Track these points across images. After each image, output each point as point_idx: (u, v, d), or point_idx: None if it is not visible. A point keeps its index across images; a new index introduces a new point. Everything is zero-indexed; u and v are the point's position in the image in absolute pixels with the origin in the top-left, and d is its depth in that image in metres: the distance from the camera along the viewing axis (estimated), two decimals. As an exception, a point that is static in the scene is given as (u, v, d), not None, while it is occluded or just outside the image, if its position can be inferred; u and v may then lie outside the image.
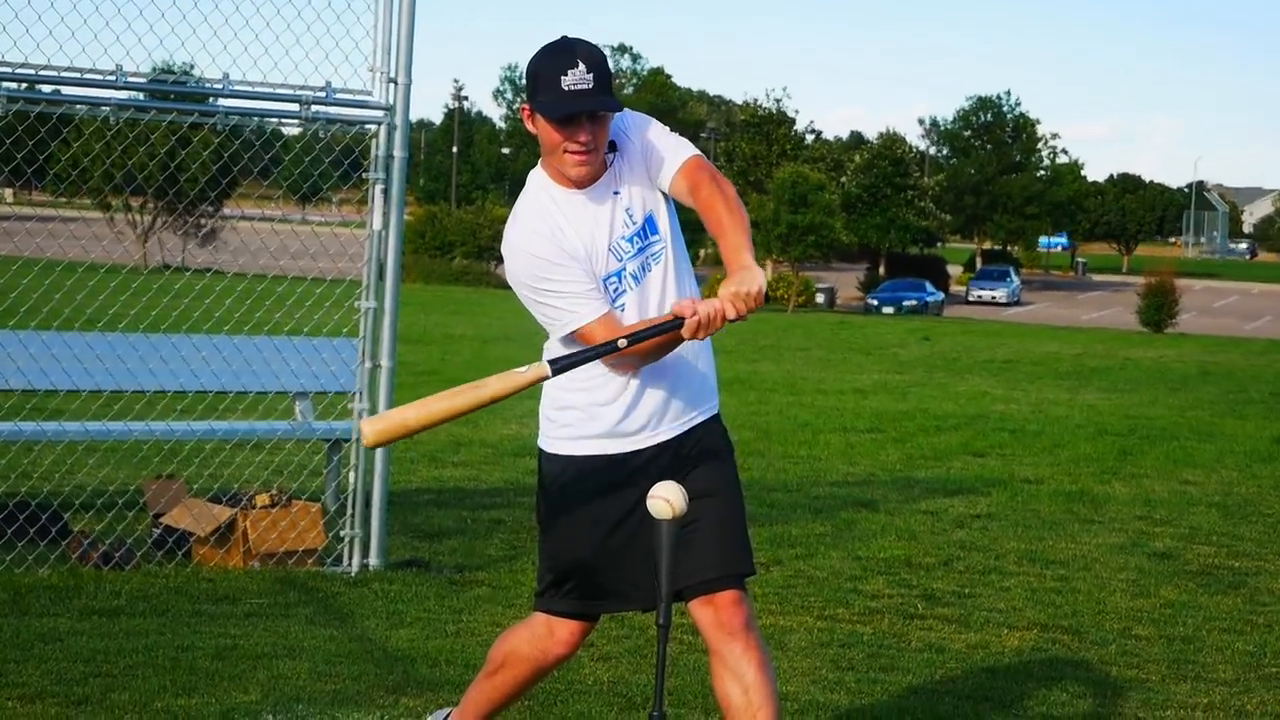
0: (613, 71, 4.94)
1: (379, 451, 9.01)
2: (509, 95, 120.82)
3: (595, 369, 4.76)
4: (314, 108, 8.83)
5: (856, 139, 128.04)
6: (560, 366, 4.56)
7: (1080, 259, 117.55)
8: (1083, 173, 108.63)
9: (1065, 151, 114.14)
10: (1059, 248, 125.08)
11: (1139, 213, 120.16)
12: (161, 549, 8.87)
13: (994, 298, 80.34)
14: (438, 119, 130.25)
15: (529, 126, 4.80)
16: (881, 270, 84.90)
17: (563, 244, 4.73)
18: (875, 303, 68.90)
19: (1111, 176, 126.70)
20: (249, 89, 8.83)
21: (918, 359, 31.88)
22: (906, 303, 68.45)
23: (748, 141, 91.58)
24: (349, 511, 9.01)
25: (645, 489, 4.56)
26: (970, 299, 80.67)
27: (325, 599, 8.24)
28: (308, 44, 8.88)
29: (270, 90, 8.82)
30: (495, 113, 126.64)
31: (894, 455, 15.24)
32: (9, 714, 6.02)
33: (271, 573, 8.69)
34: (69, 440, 9.53)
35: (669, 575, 4.49)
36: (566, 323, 4.71)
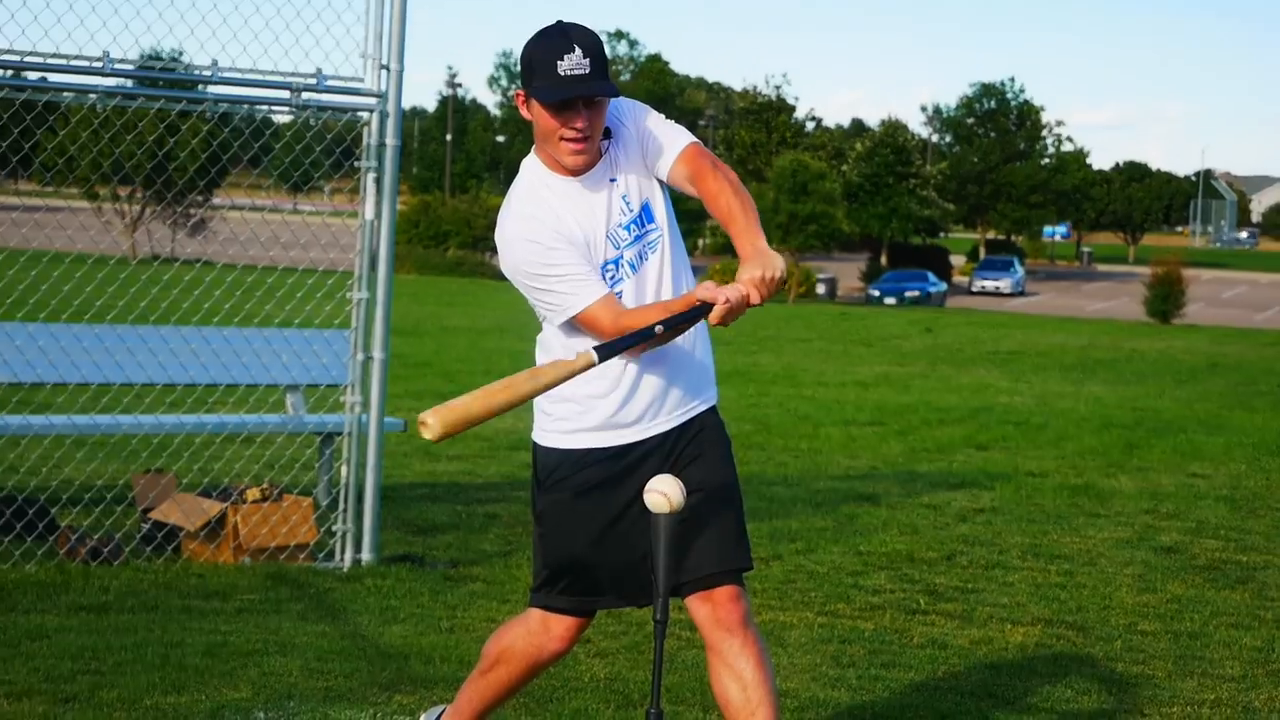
0: (609, 58, 4.92)
1: (371, 445, 9.01)
2: (504, 82, 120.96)
3: None
4: (305, 95, 8.83)
5: (858, 126, 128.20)
6: (605, 353, 4.49)
7: (1086, 248, 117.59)
8: (1088, 161, 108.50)
9: (1070, 139, 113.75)
10: (1056, 236, 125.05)
11: (1145, 201, 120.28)
12: (150, 544, 8.87)
13: (998, 288, 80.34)
14: (431, 106, 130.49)
15: (524, 113, 4.81)
16: (883, 260, 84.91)
17: (559, 229, 4.73)
18: (877, 293, 68.88)
19: (1117, 165, 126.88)
20: (239, 76, 8.82)
21: (920, 350, 31.89)
22: (909, 293, 68.44)
23: (747, 129, 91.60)
24: (341, 506, 9.01)
25: (642, 483, 4.57)
26: (973, 289, 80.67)
27: (317, 595, 8.25)
28: (298, 30, 8.89)
29: (260, 77, 8.82)
30: (490, 100, 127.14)
31: (896, 448, 15.25)
32: (-4, 712, 6.03)
33: (262, 568, 8.69)
34: (56, 434, 9.53)
35: (666, 570, 4.49)
36: (567, 307, 4.70)
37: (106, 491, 9.51)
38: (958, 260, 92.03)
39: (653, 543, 4.50)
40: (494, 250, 4.89)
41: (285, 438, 10.36)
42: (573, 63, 4.64)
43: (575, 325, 4.74)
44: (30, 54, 8.33)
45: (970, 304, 70.36)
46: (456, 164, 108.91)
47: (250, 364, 9.78)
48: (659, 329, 4.50)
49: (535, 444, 5.01)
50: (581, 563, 4.92)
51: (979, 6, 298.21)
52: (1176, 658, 7.61)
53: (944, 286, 73.25)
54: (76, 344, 9.30)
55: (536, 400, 4.97)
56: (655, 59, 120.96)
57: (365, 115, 8.95)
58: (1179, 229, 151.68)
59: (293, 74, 8.82)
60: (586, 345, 4.76)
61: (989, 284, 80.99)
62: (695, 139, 4.87)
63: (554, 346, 4.87)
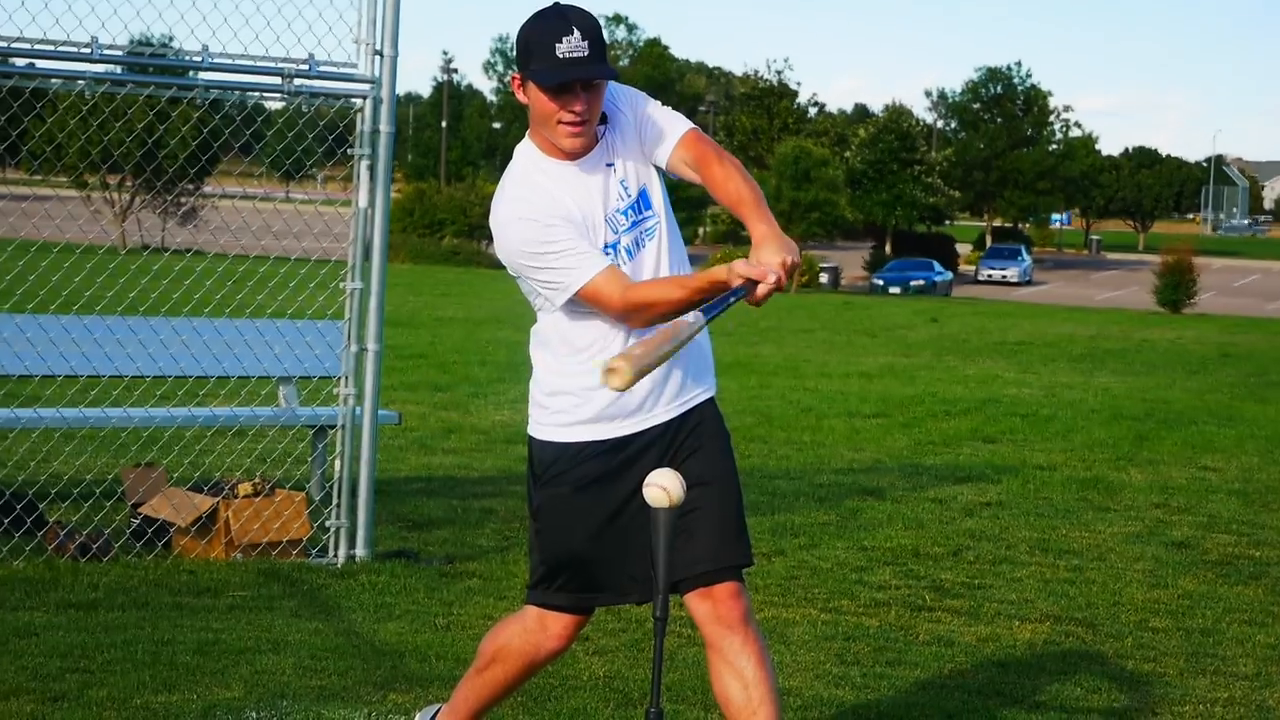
0: (606, 42, 4.92)
1: (365, 438, 9.01)
2: (500, 67, 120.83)
3: (589, 342, 4.78)
4: (297, 81, 8.82)
5: (861, 112, 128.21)
6: (709, 314, 4.44)
7: (1094, 236, 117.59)
8: (1097, 147, 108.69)
9: (1078, 125, 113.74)
10: (1058, 224, 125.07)
11: (1155, 188, 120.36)
12: (141, 540, 8.87)
13: (1005, 277, 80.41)
14: (426, 92, 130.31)
15: (519, 96, 4.79)
16: (888, 249, 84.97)
17: (555, 208, 4.71)
18: (881, 283, 68.90)
19: (1127, 150, 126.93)
20: (229, 61, 8.81)
21: (925, 341, 31.89)
22: (914, 282, 68.47)
23: (748, 115, 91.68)
24: (335, 501, 9.01)
25: (641, 476, 4.56)
26: (980, 278, 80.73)
27: (310, 591, 8.25)
28: (290, 15, 8.87)
29: (252, 63, 8.80)
30: (486, 86, 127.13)
31: (901, 441, 15.25)
32: (-18, 712, 6.02)
33: (254, 564, 8.69)
34: (45, 427, 9.52)
35: (666, 566, 4.49)
36: (570, 284, 4.67)
37: (95, 486, 9.51)
38: (963, 248, 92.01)
39: (652, 538, 4.49)
40: (490, 239, 4.87)
41: (277, 431, 10.35)
42: (571, 45, 4.63)
43: (579, 304, 4.72)
44: (17, 40, 8.32)
45: (976, 293, 70.36)
46: (452, 151, 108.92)
47: (242, 355, 9.77)
48: (732, 299, 4.45)
49: (531, 438, 4.99)
50: (580, 559, 4.91)
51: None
52: (1188, 655, 7.60)
53: (950, 275, 73.29)
54: (65, 335, 9.30)
55: (531, 393, 4.97)
56: (654, 43, 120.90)
57: (358, 101, 8.94)
58: (1190, 216, 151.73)
59: (285, 59, 8.81)
60: (587, 332, 4.76)
61: (996, 273, 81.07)
62: (694, 125, 4.87)
63: (550, 339, 4.86)
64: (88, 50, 8.40)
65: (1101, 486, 12.70)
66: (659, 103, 4.93)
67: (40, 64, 8.60)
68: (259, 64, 8.80)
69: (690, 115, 6.05)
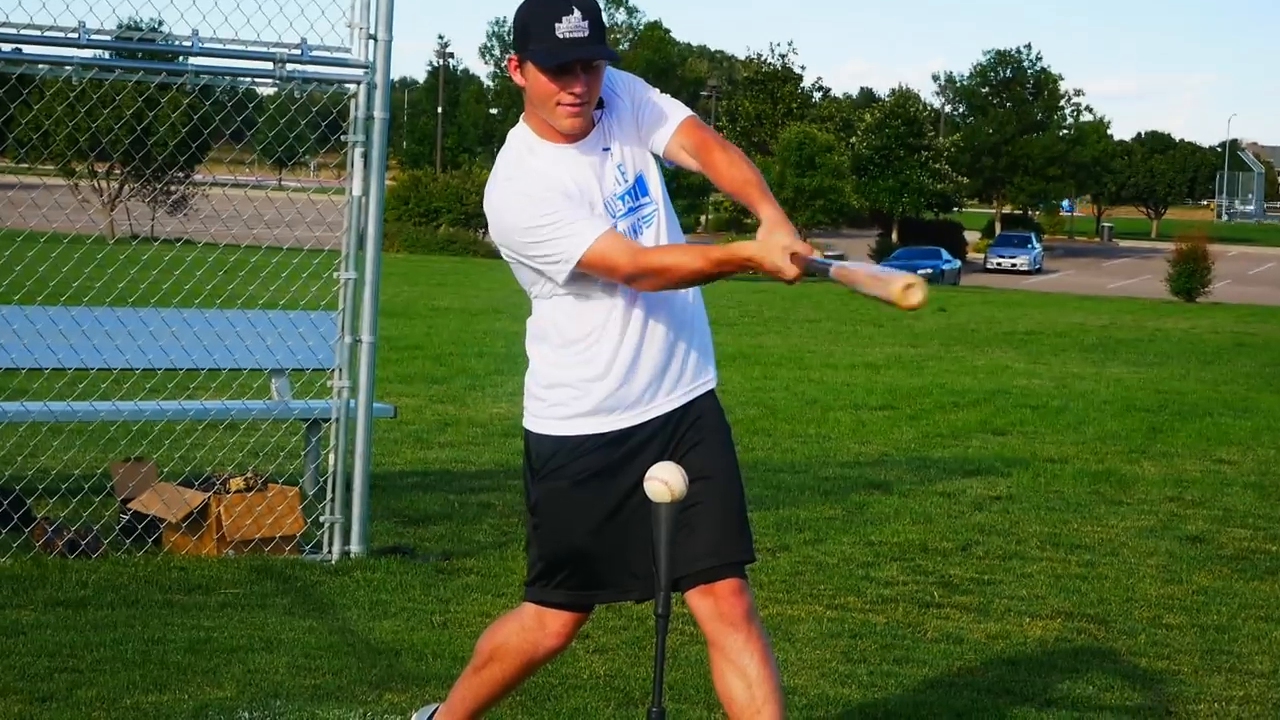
0: (606, 25, 4.93)
1: (360, 431, 9.02)
2: (497, 52, 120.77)
3: (585, 333, 4.78)
4: (289, 66, 8.81)
5: (867, 97, 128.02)
6: (809, 269, 4.46)
7: (1106, 223, 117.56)
8: (1109, 132, 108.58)
9: (1090, 109, 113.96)
10: (1069, 212, 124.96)
11: (1169, 174, 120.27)
12: (130, 536, 8.87)
13: (1014, 265, 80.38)
14: (421, 77, 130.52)
15: (516, 78, 4.79)
16: (894, 236, 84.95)
17: (550, 184, 4.70)
18: (888, 271, 68.78)
19: (1139, 135, 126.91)
20: (220, 47, 8.80)
21: (933, 331, 31.87)
22: (921, 271, 68.17)
23: (751, 100, 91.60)
24: (329, 495, 9.01)
25: (642, 470, 4.56)
26: (989, 267, 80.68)
27: (304, 588, 8.25)
28: (282, -2, 8.88)
29: (242, 48, 8.80)
30: (482, 71, 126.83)
31: (908, 434, 15.25)
32: (-31, 712, 6.03)
33: (247, 561, 8.70)
34: (32, 421, 9.52)
35: (668, 562, 4.49)
36: (572, 252, 4.63)
37: (84, 481, 9.51)
38: (972, 236, 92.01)
39: (654, 533, 4.49)
40: (486, 228, 4.87)
41: (270, 424, 10.35)
42: (571, 25, 4.63)
43: (583, 281, 4.71)
44: (3, 25, 8.33)
45: (986, 282, 70.32)
46: (448, 138, 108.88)
47: (233, 347, 9.77)
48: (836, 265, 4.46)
49: (528, 431, 4.98)
50: (579, 555, 4.91)
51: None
52: (1203, 652, 7.61)
53: (958, 264, 73.28)
54: (52, 327, 9.29)
55: (527, 386, 4.96)
56: (655, 26, 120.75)
57: (352, 87, 8.94)
58: (1204, 202, 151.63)
59: (276, 44, 8.80)
60: (584, 323, 4.75)
61: (1005, 261, 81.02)
62: (693, 112, 4.88)
63: (547, 330, 4.85)
64: (75, 35, 8.41)
65: (1114, 479, 12.70)
66: (657, 90, 4.94)
67: (27, 49, 8.59)
68: (250, 49, 8.80)
69: (692, 100, 6.05)
